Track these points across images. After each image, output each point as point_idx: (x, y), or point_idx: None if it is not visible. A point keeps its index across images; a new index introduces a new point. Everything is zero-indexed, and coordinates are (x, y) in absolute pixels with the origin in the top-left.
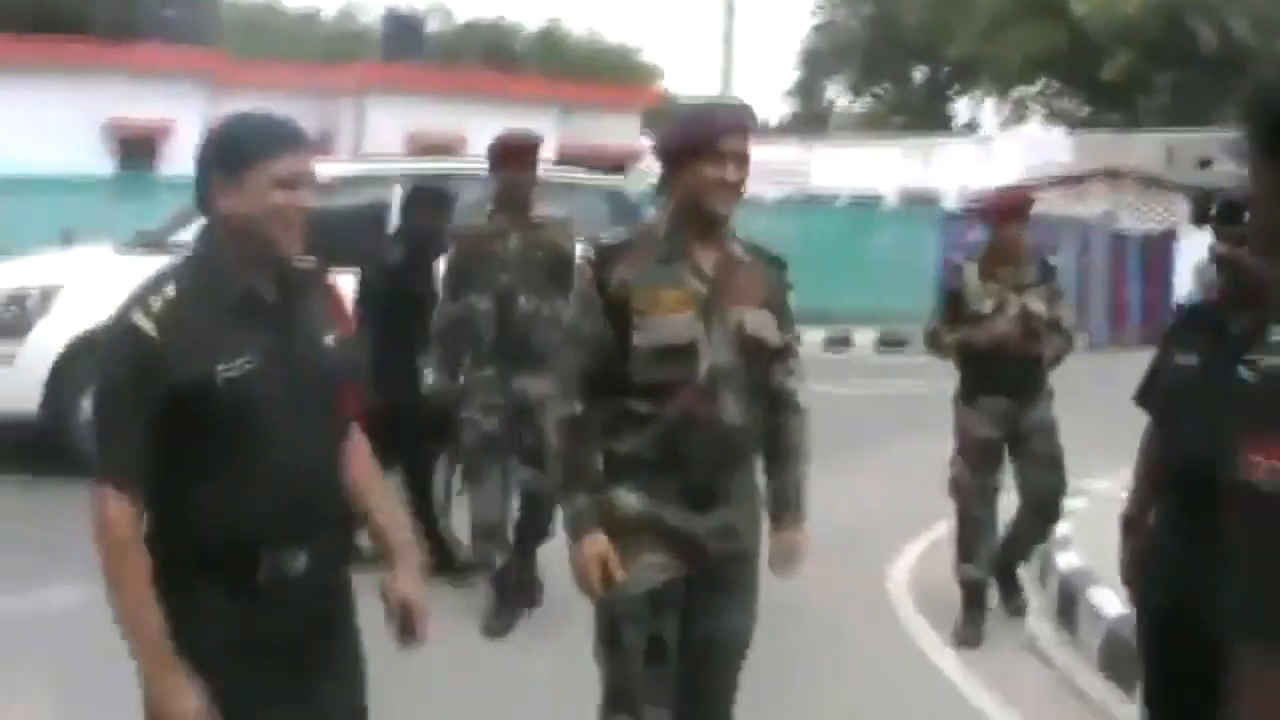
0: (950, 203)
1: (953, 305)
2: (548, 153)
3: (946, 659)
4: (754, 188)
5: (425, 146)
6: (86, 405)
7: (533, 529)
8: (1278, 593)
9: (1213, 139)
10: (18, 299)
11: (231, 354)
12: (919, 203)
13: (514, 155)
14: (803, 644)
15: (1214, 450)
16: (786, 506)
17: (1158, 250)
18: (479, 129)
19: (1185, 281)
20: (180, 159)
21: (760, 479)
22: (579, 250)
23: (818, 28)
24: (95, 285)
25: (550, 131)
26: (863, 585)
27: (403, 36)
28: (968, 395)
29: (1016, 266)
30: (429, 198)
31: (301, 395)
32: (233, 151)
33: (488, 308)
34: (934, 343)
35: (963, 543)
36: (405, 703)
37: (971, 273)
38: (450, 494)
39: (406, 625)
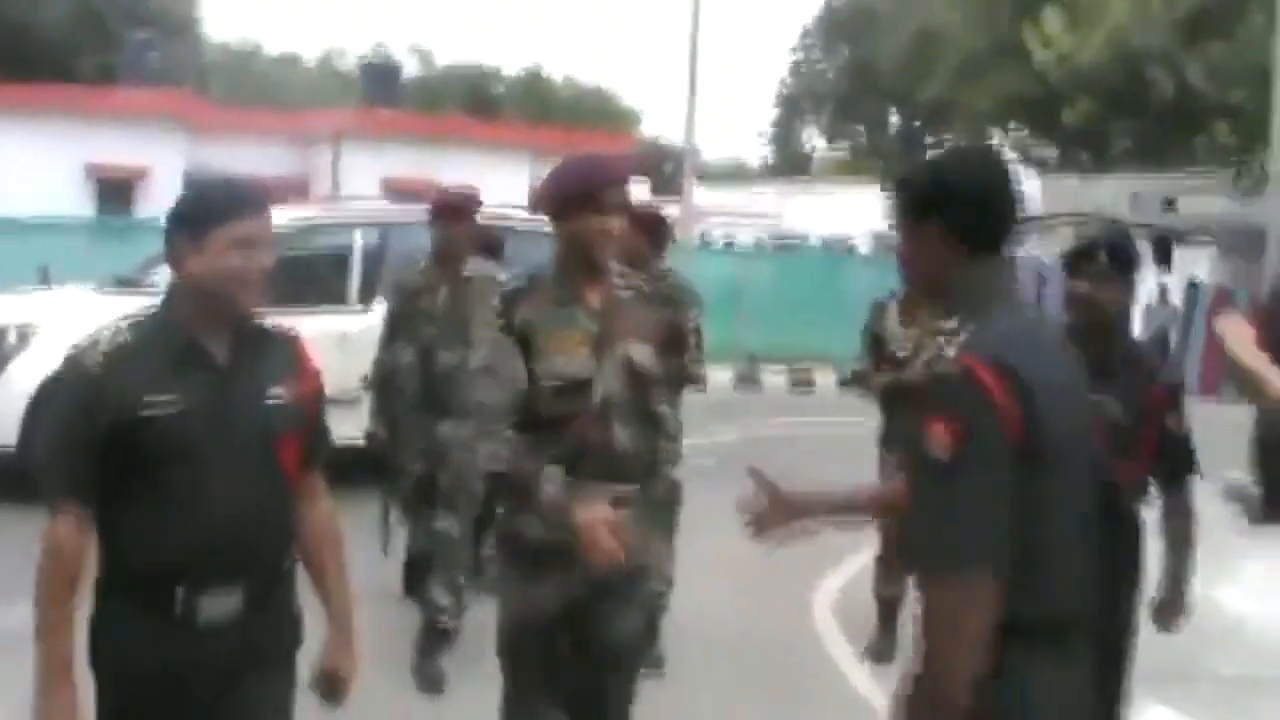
0: None
1: (875, 346)
2: (520, 199)
3: (862, 677)
4: (729, 231)
5: (399, 192)
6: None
7: (443, 571)
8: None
9: (1176, 183)
10: None
11: (159, 394)
12: (889, 247)
13: (450, 211)
14: (728, 664)
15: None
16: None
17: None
18: (453, 174)
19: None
20: (158, 202)
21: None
22: None
23: (794, 72)
24: (72, 324)
25: (524, 177)
26: (788, 608)
27: (379, 83)
28: (886, 439)
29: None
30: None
31: (233, 444)
32: (194, 216)
33: (410, 360)
34: (861, 383)
35: (884, 562)
36: None
37: (893, 314)
38: (389, 532)
39: (329, 690)
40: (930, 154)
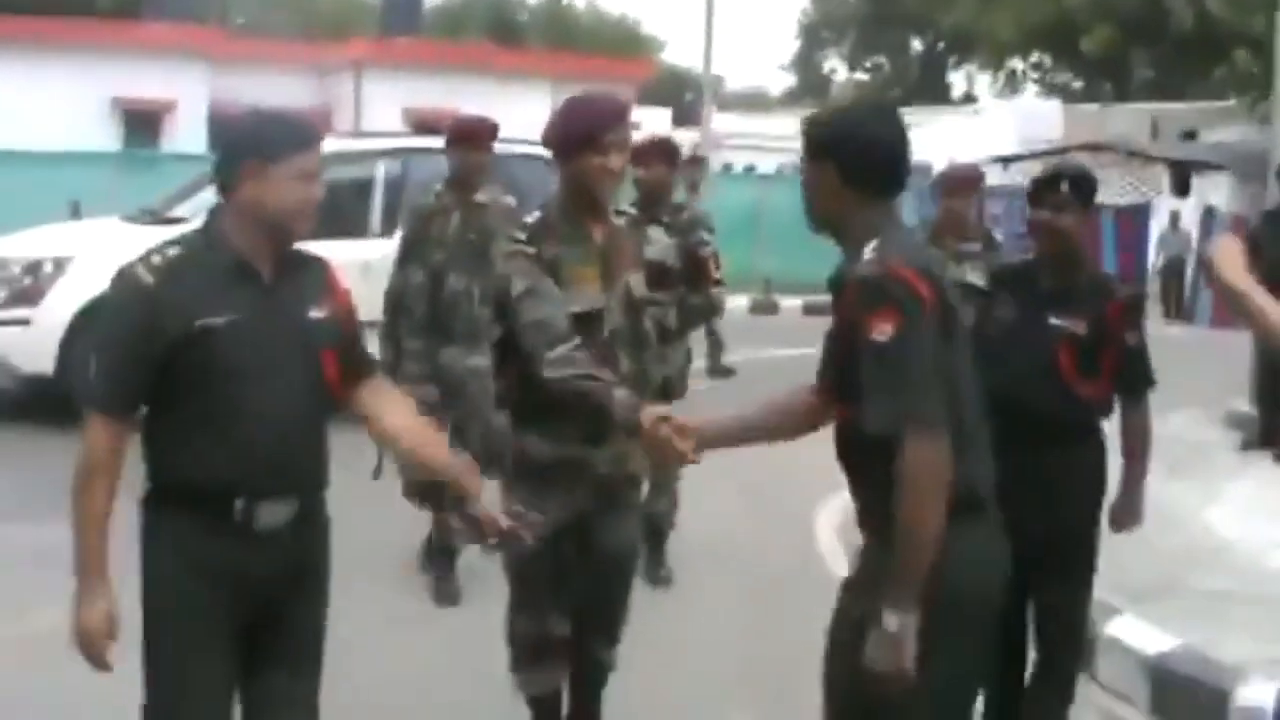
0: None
1: None
2: (540, 127)
3: None
4: (749, 159)
5: (421, 122)
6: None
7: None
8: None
9: (1197, 110)
10: (32, 268)
11: (213, 310)
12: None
13: (466, 137)
14: (734, 582)
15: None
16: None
17: (1130, 221)
18: (473, 104)
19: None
20: (183, 135)
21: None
22: None
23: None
24: (104, 255)
25: (545, 105)
26: (793, 528)
27: (400, 12)
28: None
29: (962, 239)
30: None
31: (279, 357)
32: (259, 146)
33: (420, 282)
34: None
35: None
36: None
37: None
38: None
39: (488, 532)
40: (835, 105)
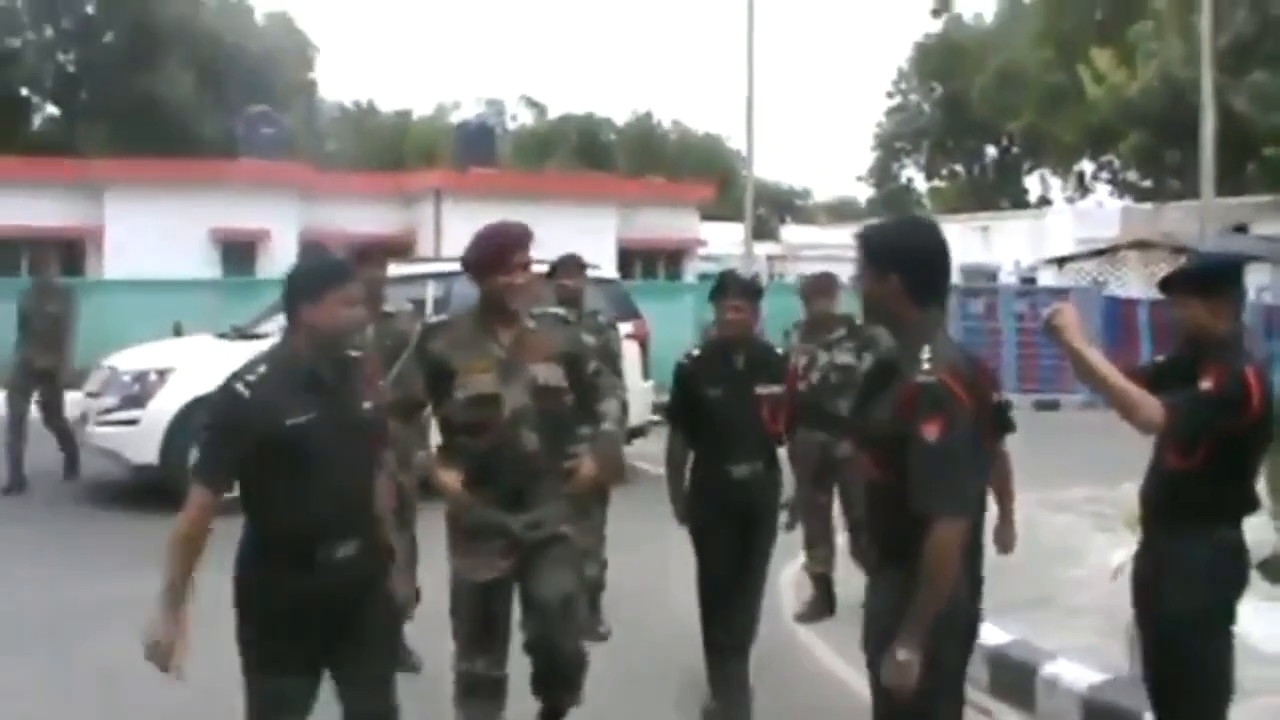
0: (1005, 277)
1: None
2: (608, 245)
3: (826, 650)
4: (826, 268)
5: None
6: (193, 457)
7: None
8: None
9: (1246, 205)
10: (140, 376)
11: (297, 411)
12: (977, 277)
13: (365, 257)
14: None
15: None
16: (593, 449)
17: (1165, 313)
18: (546, 226)
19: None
20: (277, 261)
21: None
22: None
23: (891, 111)
24: (199, 365)
25: (612, 226)
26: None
27: (475, 144)
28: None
29: (829, 330)
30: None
31: (345, 440)
32: (312, 282)
33: None
34: None
35: (812, 544)
36: None
37: (796, 335)
38: None
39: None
40: (885, 220)
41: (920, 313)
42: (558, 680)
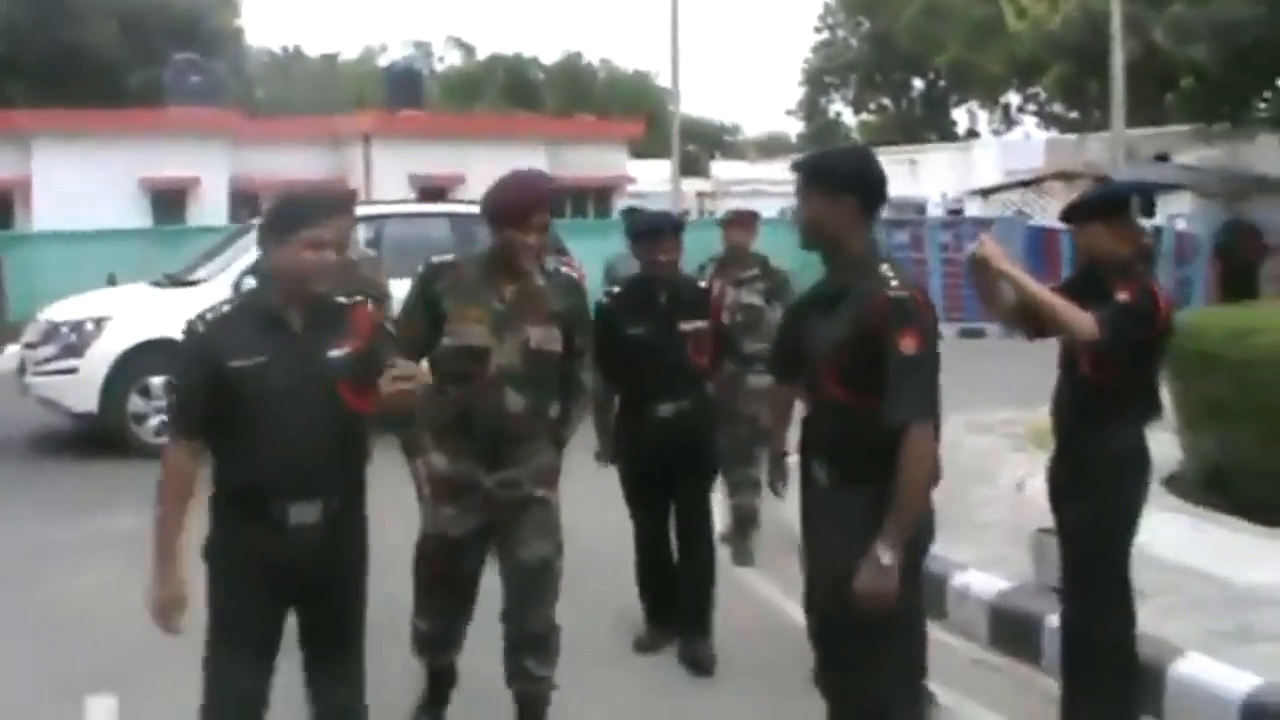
0: (932, 209)
1: None
2: None
3: (763, 583)
4: (754, 204)
5: (427, 187)
6: (132, 403)
7: None
8: None
9: (1168, 134)
10: (77, 326)
11: (245, 353)
12: (906, 209)
13: (339, 203)
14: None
15: None
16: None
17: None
18: (474, 167)
19: None
20: (205, 210)
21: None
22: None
23: (818, 46)
24: (135, 314)
25: (540, 166)
26: None
27: (403, 87)
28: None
29: (742, 268)
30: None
31: (305, 390)
32: (279, 222)
33: None
34: None
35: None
36: None
37: (708, 271)
38: None
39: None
40: (830, 148)
41: (867, 231)
42: (530, 646)
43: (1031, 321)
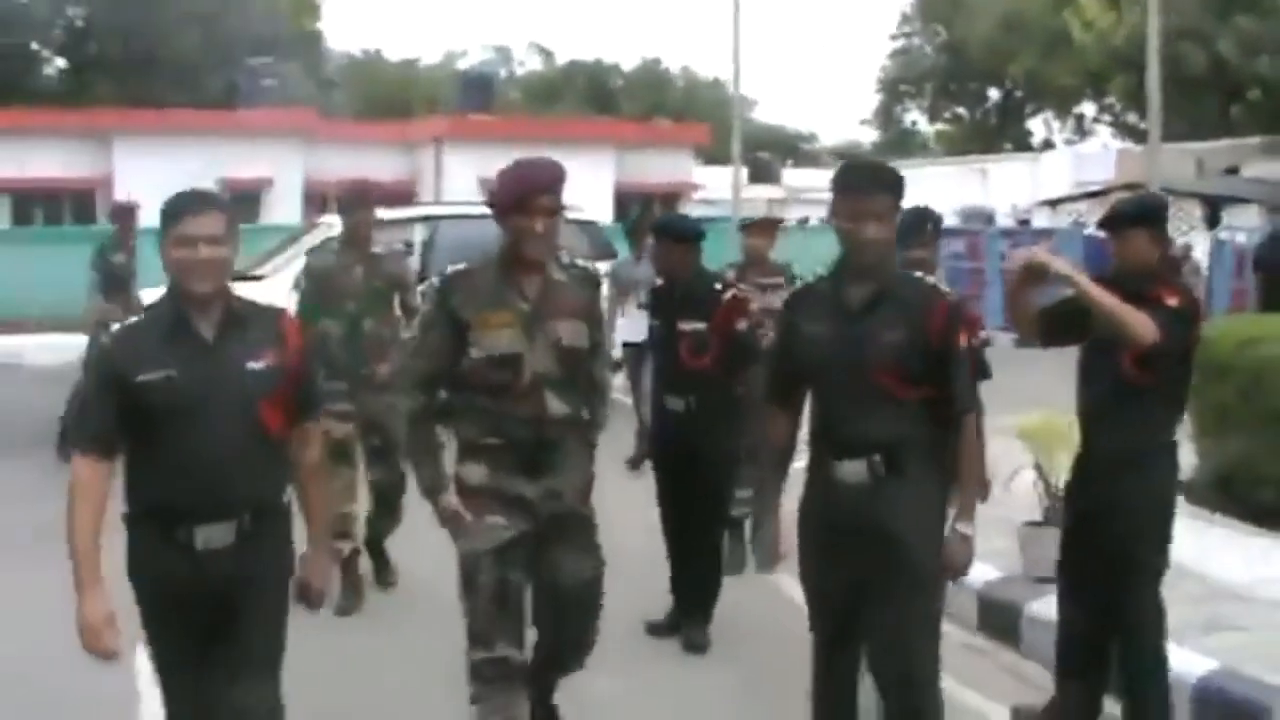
0: (1001, 219)
1: None
2: (605, 189)
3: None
4: (824, 211)
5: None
6: None
7: (384, 517)
8: None
9: (1239, 147)
10: None
11: (151, 366)
12: (975, 219)
13: (356, 200)
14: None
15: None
16: None
17: None
18: None
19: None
20: (282, 208)
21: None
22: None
23: (894, 54)
24: None
25: (608, 170)
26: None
27: (475, 92)
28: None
29: (763, 274)
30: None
31: (217, 406)
32: (162, 217)
33: (339, 332)
34: None
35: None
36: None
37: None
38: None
39: (305, 598)
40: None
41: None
42: (557, 672)
43: (1055, 329)
